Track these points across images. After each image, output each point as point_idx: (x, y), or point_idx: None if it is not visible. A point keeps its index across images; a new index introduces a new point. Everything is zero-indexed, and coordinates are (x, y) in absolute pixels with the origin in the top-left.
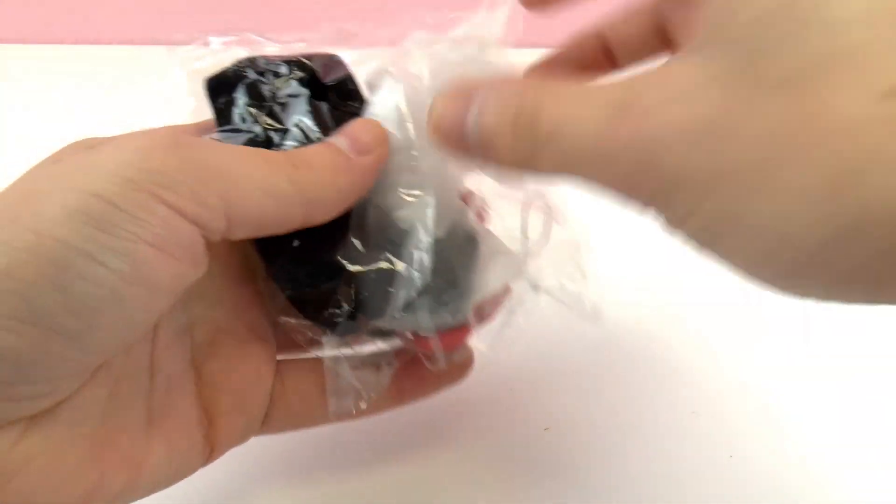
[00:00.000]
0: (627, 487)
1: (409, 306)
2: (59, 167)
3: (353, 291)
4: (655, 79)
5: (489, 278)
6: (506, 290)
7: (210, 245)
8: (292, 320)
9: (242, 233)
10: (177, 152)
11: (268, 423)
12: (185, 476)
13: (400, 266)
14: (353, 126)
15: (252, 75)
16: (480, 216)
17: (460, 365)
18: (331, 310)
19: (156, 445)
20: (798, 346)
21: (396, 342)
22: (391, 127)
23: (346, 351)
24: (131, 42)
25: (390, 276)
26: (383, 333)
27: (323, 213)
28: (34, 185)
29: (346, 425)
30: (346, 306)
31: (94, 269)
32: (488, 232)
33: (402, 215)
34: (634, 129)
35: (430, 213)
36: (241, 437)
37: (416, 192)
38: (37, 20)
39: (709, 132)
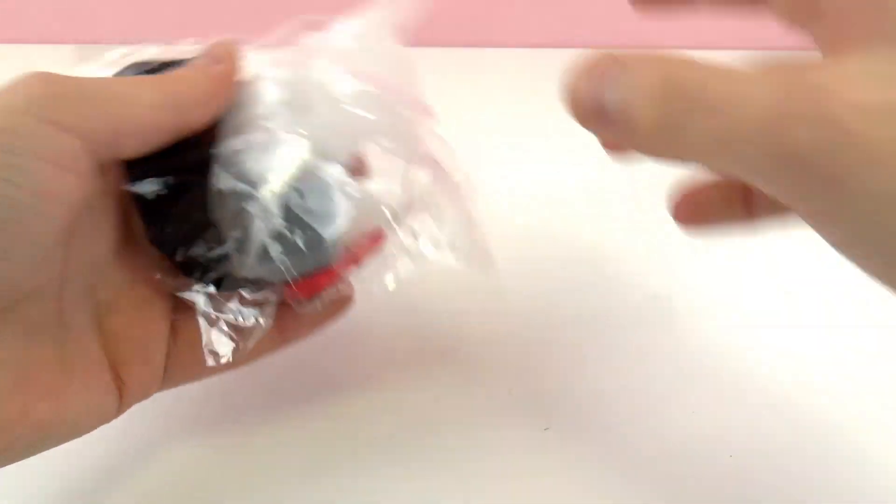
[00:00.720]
0: (628, 487)
1: (263, 255)
2: None
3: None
4: (831, 67)
5: (351, 224)
6: (376, 237)
7: (99, 160)
8: (170, 279)
9: (129, 147)
10: (55, 83)
11: (167, 376)
12: (102, 422)
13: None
14: (210, 46)
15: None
16: (359, 171)
17: (337, 302)
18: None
19: (72, 382)
20: (797, 346)
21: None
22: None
23: (221, 301)
24: (132, 42)
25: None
26: (255, 283)
27: (194, 117)
28: None
29: (340, 415)
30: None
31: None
32: (353, 183)
33: (252, 166)
34: (814, 105)
35: (278, 162)
36: (146, 389)
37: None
38: (37, 20)
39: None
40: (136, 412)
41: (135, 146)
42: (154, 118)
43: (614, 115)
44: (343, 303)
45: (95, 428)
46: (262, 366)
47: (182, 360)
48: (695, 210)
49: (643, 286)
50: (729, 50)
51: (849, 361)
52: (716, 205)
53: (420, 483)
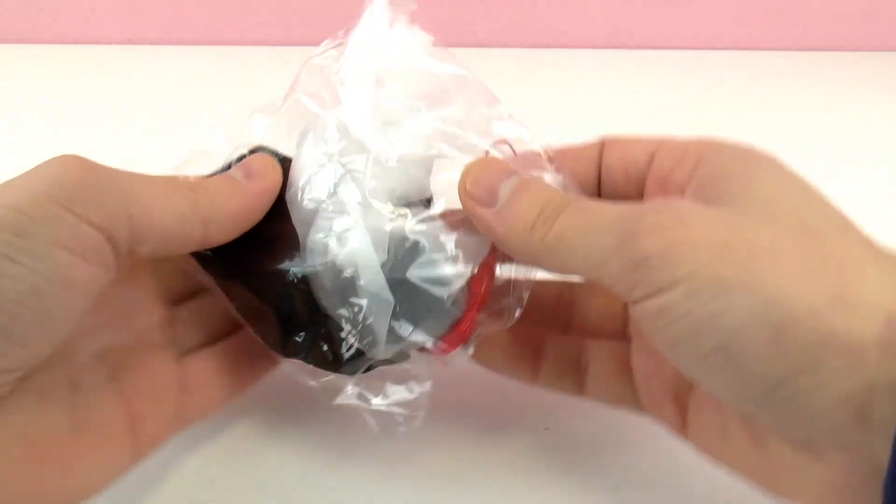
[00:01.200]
0: (628, 487)
1: (393, 337)
2: None
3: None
4: (688, 202)
5: (462, 268)
6: (489, 263)
7: (118, 254)
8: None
9: (148, 246)
10: (85, 172)
11: (178, 420)
12: (115, 479)
13: (361, 304)
14: (247, 159)
15: None
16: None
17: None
18: (333, 352)
19: (85, 446)
20: None
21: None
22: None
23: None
24: (132, 42)
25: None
26: (390, 359)
27: (220, 233)
28: None
29: (340, 429)
30: (348, 348)
31: (13, 269)
32: (442, 224)
33: (342, 258)
34: (634, 251)
35: (365, 246)
36: (159, 438)
37: (346, 228)
38: (37, 20)
39: (725, 227)
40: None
41: (156, 250)
42: (179, 229)
43: (501, 203)
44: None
45: (108, 486)
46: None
47: (192, 402)
48: (488, 353)
49: None
50: (729, 50)
51: None
52: (507, 353)
53: (419, 483)
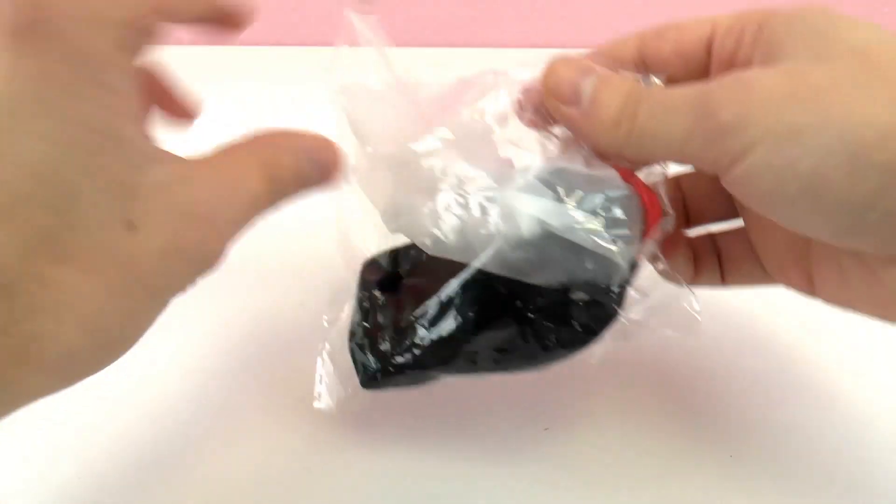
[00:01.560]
0: (627, 487)
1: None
2: (142, 270)
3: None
4: (750, 70)
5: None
6: (650, 191)
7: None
8: None
9: None
10: (217, 251)
11: None
12: None
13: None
14: (323, 162)
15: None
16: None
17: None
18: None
19: None
20: (797, 345)
21: None
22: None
23: None
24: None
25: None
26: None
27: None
28: (128, 294)
29: (344, 423)
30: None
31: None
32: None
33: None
34: (710, 124)
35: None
36: None
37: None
38: None
39: (787, 78)
40: None
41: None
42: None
43: (585, 101)
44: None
45: None
46: None
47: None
48: (674, 260)
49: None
50: None
51: (852, 355)
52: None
53: (420, 482)
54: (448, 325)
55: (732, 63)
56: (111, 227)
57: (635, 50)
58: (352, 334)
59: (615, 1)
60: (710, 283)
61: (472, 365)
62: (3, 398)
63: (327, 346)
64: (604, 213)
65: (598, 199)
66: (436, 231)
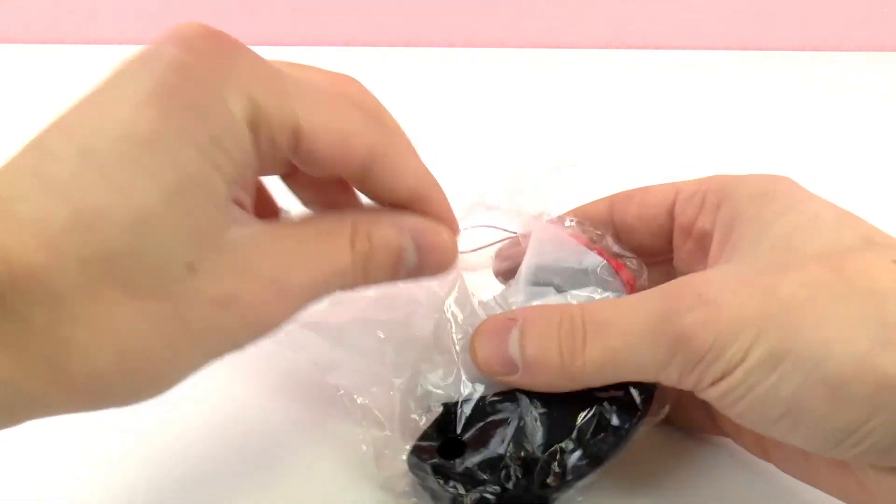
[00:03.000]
0: (628, 487)
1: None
2: (193, 317)
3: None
4: (708, 278)
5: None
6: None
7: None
8: None
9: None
10: (286, 314)
11: None
12: None
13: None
14: (432, 253)
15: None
16: None
17: None
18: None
19: None
20: None
21: None
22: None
23: None
24: (132, 42)
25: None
26: None
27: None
28: (175, 339)
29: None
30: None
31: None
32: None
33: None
34: (693, 296)
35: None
36: None
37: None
38: (37, 20)
39: (755, 294)
40: None
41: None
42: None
43: (522, 367)
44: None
45: None
46: None
47: None
48: None
49: None
50: (729, 50)
51: None
52: None
53: None
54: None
55: (691, 230)
56: (173, 265)
57: (606, 212)
58: None
59: (615, 1)
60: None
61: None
62: (20, 400)
63: None
64: (601, 286)
65: (589, 275)
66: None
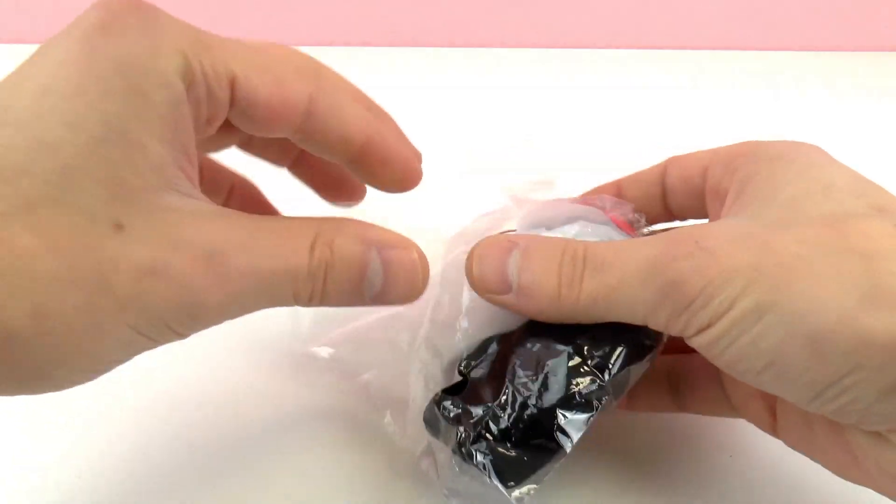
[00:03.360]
0: (627, 488)
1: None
2: (118, 280)
3: None
4: (709, 229)
5: None
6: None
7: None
8: None
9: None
10: (217, 315)
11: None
12: None
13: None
14: (398, 276)
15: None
16: None
17: None
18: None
19: None
20: None
21: None
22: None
23: None
24: None
25: None
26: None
27: None
28: (95, 298)
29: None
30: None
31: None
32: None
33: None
34: (675, 245)
35: None
36: None
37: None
38: (40, 20)
39: (752, 247)
40: None
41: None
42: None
43: (517, 287)
44: None
45: None
46: None
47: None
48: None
49: None
50: (729, 50)
51: None
52: (641, 392)
53: (421, 483)
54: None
55: (718, 191)
56: (98, 221)
57: (660, 174)
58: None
59: (615, 1)
60: (664, 408)
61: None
62: None
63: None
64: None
65: (601, 229)
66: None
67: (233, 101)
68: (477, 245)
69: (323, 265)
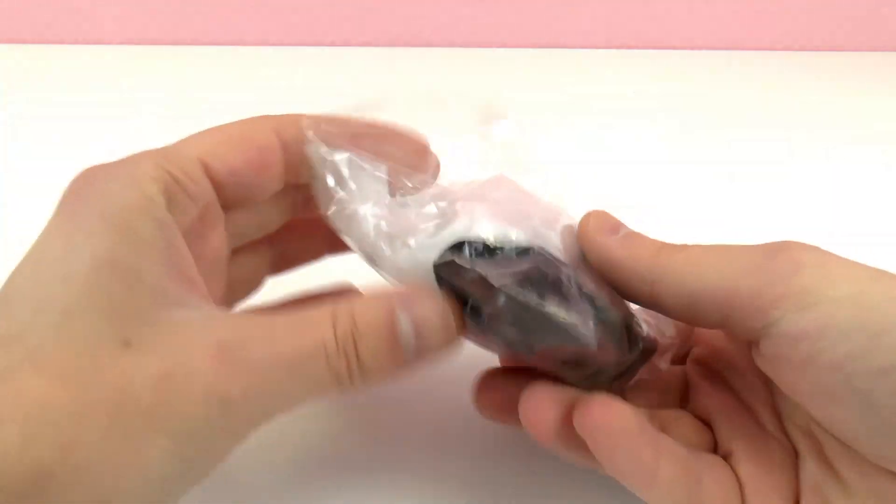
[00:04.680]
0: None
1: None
2: (137, 391)
3: None
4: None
5: None
6: None
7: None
8: None
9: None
10: (245, 388)
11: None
12: None
13: None
14: (428, 321)
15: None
16: None
17: None
18: None
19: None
20: None
21: None
22: None
23: None
24: (132, 42)
25: None
26: None
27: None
28: (123, 415)
29: (349, 426)
30: None
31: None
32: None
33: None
34: (785, 261)
35: None
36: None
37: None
38: (37, 20)
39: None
40: None
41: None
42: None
43: (625, 233)
44: None
45: None
46: None
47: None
48: (497, 405)
49: None
50: (729, 50)
51: None
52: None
53: (423, 484)
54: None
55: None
56: (102, 342)
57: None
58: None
59: (615, 1)
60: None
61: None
62: None
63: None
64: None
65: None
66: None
67: (215, 181)
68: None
69: (350, 334)
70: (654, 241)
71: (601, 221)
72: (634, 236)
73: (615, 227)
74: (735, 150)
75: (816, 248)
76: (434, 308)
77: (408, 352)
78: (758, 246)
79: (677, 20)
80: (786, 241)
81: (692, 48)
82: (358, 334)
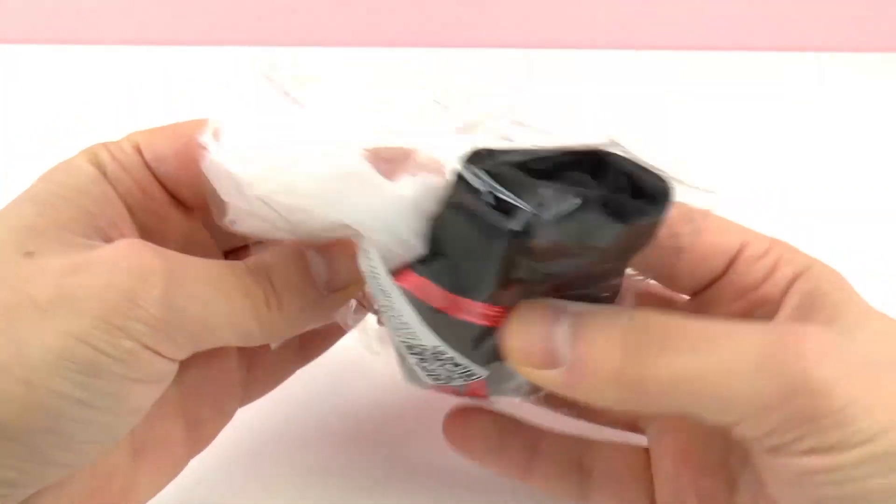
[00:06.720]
0: None
1: None
2: (36, 289)
3: None
4: (832, 335)
5: None
6: None
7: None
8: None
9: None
10: (162, 300)
11: (235, 407)
12: (170, 481)
13: None
14: (337, 258)
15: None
16: None
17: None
18: None
19: (142, 474)
20: None
21: None
22: None
23: None
24: (132, 42)
25: None
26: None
27: (275, 340)
28: (12, 312)
29: (346, 430)
30: None
31: (85, 413)
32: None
33: None
34: (812, 403)
35: None
36: (216, 433)
37: None
38: (37, 20)
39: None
40: None
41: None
42: (242, 342)
43: (570, 361)
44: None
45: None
46: None
47: (252, 392)
48: (465, 436)
49: None
50: (729, 50)
51: None
52: (490, 442)
53: (423, 484)
54: None
55: (748, 294)
56: (8, 255)
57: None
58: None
59: (615, 1)
60: (559, 491)
61: None
62: None
63: None
64: None
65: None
66: None
67: (149, 166)
68: (514, 314)
69: (262, 266)
70: (608, 357)
71: (528, 350)
72: (580, 360)
73: (548, 349)
74: (735, 151)
75: (850, 371)
76: (339, 244)
77: (321, 281)
78: (775, 364)
79: (677, 20)
80: (810, 357)
81: (692, 48)
82: (270, 265)
